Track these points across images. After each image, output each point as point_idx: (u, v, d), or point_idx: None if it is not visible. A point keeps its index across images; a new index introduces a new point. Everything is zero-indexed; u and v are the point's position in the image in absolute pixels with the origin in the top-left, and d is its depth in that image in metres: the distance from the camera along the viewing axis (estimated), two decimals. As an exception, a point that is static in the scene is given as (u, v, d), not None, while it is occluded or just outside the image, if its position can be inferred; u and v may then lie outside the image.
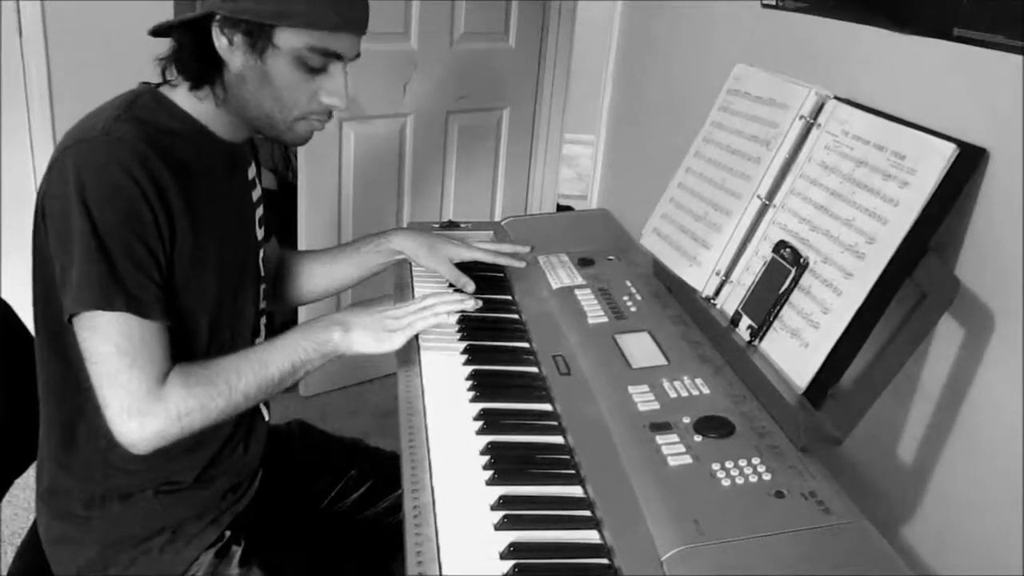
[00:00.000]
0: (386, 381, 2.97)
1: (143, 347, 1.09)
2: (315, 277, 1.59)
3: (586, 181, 5.11)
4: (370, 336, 1.24)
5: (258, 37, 1.14)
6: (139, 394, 1.08)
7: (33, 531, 1.34)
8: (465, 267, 1.55)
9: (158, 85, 1.23)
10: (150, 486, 1.24)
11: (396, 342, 1.25)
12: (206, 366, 1.15)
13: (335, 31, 1.16)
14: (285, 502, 1.42)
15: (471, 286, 1.51)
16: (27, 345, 1.29)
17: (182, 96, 1.21)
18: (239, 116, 1.22)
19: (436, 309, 1.28)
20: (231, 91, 1.19)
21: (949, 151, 1.05)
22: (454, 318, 1.31)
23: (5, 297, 1.39)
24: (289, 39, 1.14)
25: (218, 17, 1.13)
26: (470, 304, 1.30)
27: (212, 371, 1.15)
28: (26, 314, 1.37)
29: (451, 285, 1.53)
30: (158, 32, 1.20)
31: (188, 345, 1.20)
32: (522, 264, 1.61)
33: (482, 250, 1.58)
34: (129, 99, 1.18)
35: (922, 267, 1.08)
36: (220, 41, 1.14)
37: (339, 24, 1.16)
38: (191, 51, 1.17)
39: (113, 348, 1.07)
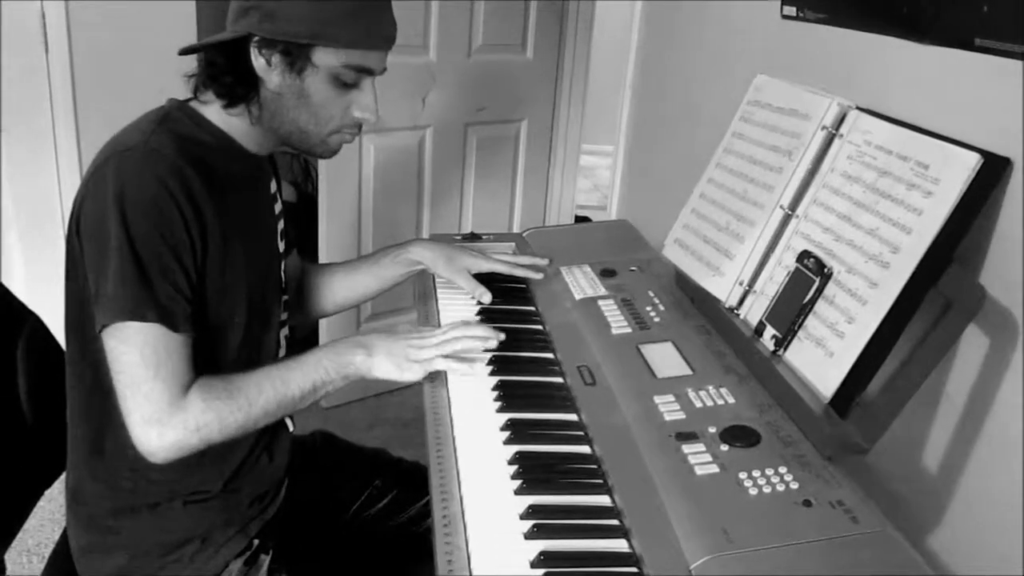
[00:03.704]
0: (405, 392, 2.98)
1: (168, 358, 1.11)
2: (336, 289, 1.60)
3: (602, 191, 5.12)
4: (392, 363, 1.25)
5: (296, 56, 1.17)
6: (160, 404, 1.10)
7: (63, 540, 1.35)
8: (485, 278, 1.57)
9: (187, 101, 1.26)
10: (178, 496, 1.26)
11: (416, 374, 1.26)
12: (228, 380, 1.17)
13: (369, 48, 1.20)
14: (311, 511, 1.44)
15: (487, 296, 1.52)
16: (56, 356, 1.31)
17: (211, 111, 1.24)
18: (271, 131, 1.25)
19: (459, 339, 1.29)
20: (267, 108, 1.22)
21: (973, 161, 1.05)
22: (477, 351, 1.31)
23: (33, 310, 1.41)
24: (326, 57, 1.18)
25: (256, 38, 1.16)
26: (493, 343, 1.31)
27: (233, 386, 1.17)
28: (50, 323, 1.39)
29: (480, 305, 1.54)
30: (191, 51, 1.22)
31: (218, 354, 1.22)
32: (540, 276, 1.62)
33: (500, 262, 1.59)
34: (161, 114, 1.21)
35: (947, 277, 1.08)
36: (258, 61, 1.18)
37: (373, 42, 1.21)
38: (227, 71, 1.20)
39: (139, 358, 1.09)
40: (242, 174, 1.27)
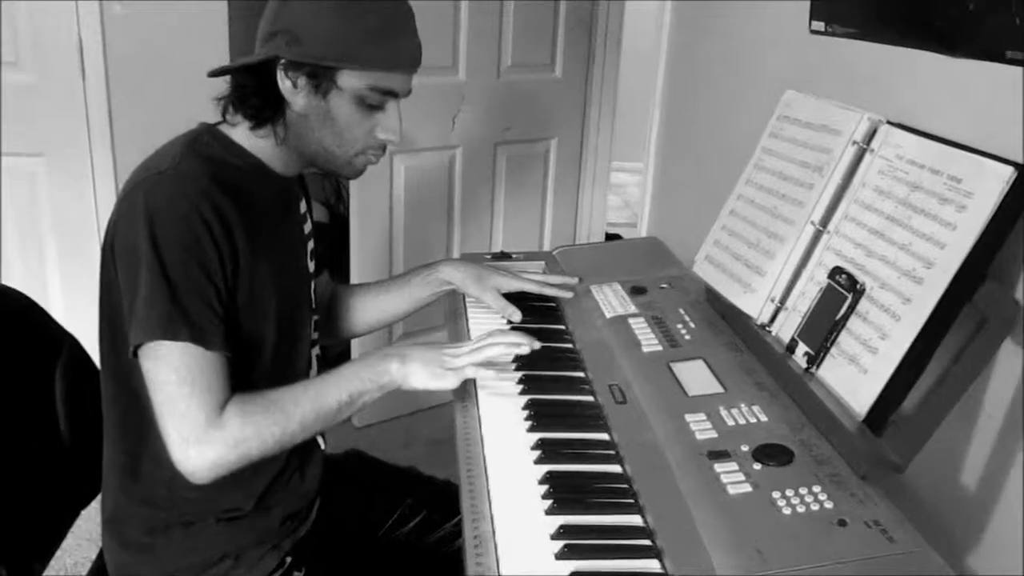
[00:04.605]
0: (438, 411, 2.97)
1: (202, 376, 1.12)
2: (366, 310, 1.61)
3: (632, 209, 5.11)
4: (427, 371, 1.24)
5: (322, 79, 1.19)
6: (198, 422, 1.11)
7: (100, 560, 1.36)
8: (515, 297, 1.57)
9: (217, 124, 1.28)
10: (211, 514, 1.27)
11: (451, 382, 1.25)
12: (264, 395, 1.18)
13: (393, 71, 1.22)
14: (343, 529, 1.44)
15: (517, 315, 1.52)
16: (93, 378, 1.33)
17: (240, 133, 1.26)
18: (297, 152, 1.27)
19: (492, 345, 1.28)
20: (292, 129, 1.24)
21: (1007, 174, 1.04)
22: (509, 356, 1.31)
23: (69, 330, 1.43)
24: (351, 80, 1.20)
25: (283, 61, 1.18)
26: (525, 349, 1.29)
27: (269, 399, 1.17)
28: (88, 344, 1.41)
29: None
30: (220, 74, 1.25)
31: (249, 374, 1.23)
32: (570, 295, 1.62)
33: (530, 281, 1.60)
34: (191, 138, 1.23)
35: (982, 292, 1.07)
36: (284, 84, 1.20)
37: (397, 64, 1.22)
38: (253, 92, 1.22)
39: (174, 377, 1.11)
40: (271, 196, 1.28)
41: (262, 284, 1.22)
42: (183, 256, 1.11)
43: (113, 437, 1.28)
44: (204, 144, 1.22)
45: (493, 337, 1.30)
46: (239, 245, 1.17)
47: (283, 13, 1.19)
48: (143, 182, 1.15)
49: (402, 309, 1.62)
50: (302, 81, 1.19)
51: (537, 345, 1.30)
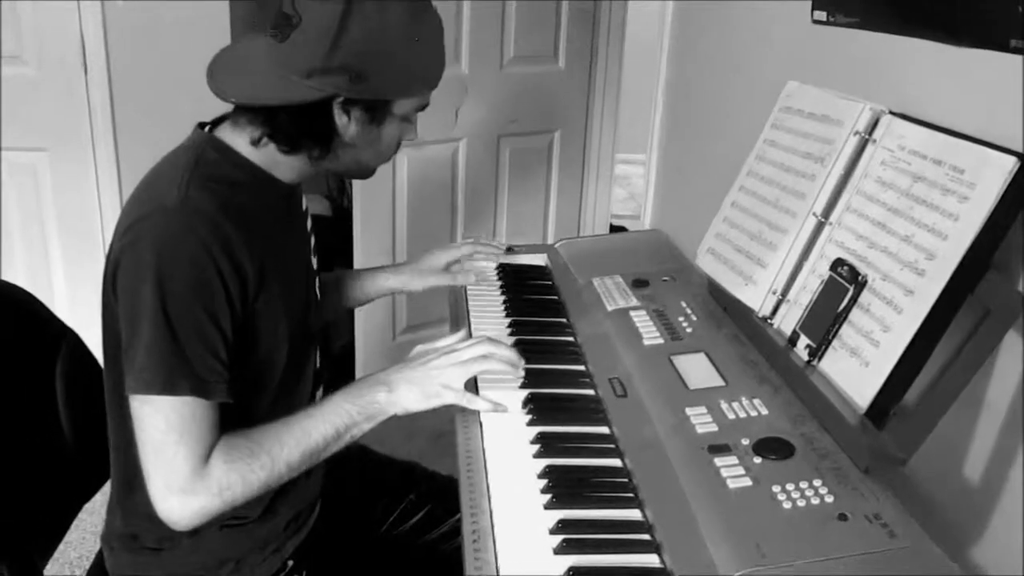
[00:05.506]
0: (442, 404, 2.97)
1: (194, 426, 1.08)
2: (333, 298, 1.62)
3: (638, 201, 5.08)
4: (417, 393, 1.21)
5: (379, 110, 1.19)
6: (182, 472, 1.07)
7: (99, 562, 1.36)
8: (517, 287, 1.56)
9: (212, 128, 1.22)
10: (216, 521, 1.24)
11: (449, 398, 1.22)
12: (249, 438, 1.14)
13: (435, 87, 1.25)
14: (345, 528, 1.43)
15: (471, 277, 1.63)
16: (94, 373, 1.32)
17: (241, 142, 1.19)
18: (321, 167, 1.24)
19: (485, 358, 1.24)
20: (334, 152, 1.21)
21: (1010, 164, 1.03)
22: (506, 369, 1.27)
23: (71, 324, 1.43)
24: (406, 104, 1.21)
25: (341, 99, 1.15)
26: (521, 373, 1.29)
27: (254, 442, 1.13)
28: (90, 339, 1.40)
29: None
30: (263, 109, 1.17)
31: (265, 378, 1.22)
32: (502, 250, 1.73)
33: (463, 244, 1.69)
34: (194, 156, 1.16)
35: (984, 283, 1.06)
36: (342, 119, 1.17)
37: (438, 80, 1.25)
38: (295, 126, 1.16)
39: (164, 425, 1.07)
40: (276, 206, 1.25)
41: (272, 298, 1.19)
42: (190, 302, 1.07)
43: (117, 454, 1.26)
44: (207, 163, 1.16)
45: (485, 345, 1.24)
46: (249, 276, 1.13)
47: (343, 48, 1.11)
48: (149, 217, 1.10)
49: (359, 301, 1.68)
50: (358, 114, 1.17)
51: (523, 362, 1.26)
